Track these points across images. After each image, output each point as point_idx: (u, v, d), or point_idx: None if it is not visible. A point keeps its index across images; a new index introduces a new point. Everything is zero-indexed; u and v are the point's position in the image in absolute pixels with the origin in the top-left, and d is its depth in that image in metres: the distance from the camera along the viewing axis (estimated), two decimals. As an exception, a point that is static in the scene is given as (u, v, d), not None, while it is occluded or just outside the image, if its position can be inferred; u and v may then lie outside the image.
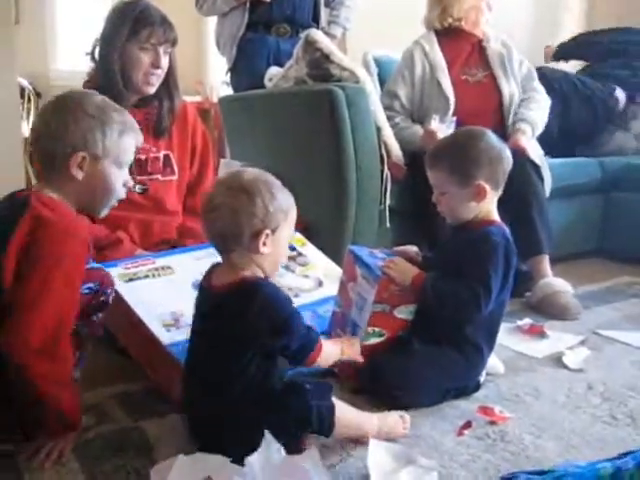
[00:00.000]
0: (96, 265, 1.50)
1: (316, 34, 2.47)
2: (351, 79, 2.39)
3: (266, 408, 1.27)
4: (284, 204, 1.34)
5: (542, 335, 2.04)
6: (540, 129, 2.65)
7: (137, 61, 1.96)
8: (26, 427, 1.34)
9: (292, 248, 2.04)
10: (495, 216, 1.66)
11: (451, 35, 2.73)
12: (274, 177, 1.38)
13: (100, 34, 2.00)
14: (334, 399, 1.33)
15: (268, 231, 1.32)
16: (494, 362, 1.75)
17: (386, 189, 2.36)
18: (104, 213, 1.50)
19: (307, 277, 1.94)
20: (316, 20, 3.10)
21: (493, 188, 1.63)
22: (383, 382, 1.57)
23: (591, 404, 1.60)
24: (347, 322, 1.68)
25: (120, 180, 1.46)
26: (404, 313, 1.63)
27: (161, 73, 2.00)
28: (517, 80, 2.69)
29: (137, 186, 2.04)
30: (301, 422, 1.28)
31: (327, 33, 2.95)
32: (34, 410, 1.31)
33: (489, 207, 1.65)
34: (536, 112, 2.62)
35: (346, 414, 1.35)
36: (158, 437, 1.42)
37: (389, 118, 2.53)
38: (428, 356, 1.58)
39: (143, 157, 2.06)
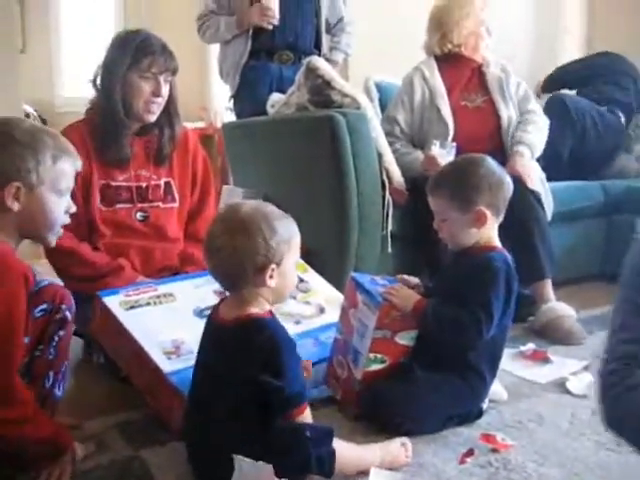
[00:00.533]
0: (47, 282, 1.46)
1: (317, 61, 2.50)
2: (352, 105, 2.40)
3: (266, 449, 1.26)
4: (285, 235, 1.35)
5: (545, 360, 2.03)
6: (539, 151, 2.64)
7: (138, 90, 1.98)
8: (11, 460, 1.32)
9: None
10: (496, 242, 1.67)
11: (451, 61, 2.75)
12: (273, 206, 1.39)
13: (102, 62, 2.03)
14: (335, 440, 1.32)
15: (273, 265, 1.32)
16: (497, 388, 1.74)
17: (388, 215, 2.37)
18: (52, 241, 1.45)
19: (309, 303, 1.94)
20: (318, 47, 3.12)
21: (494, 214, 1.64)
22: (385, 409, 1.56)
23: (595, 431, 1.57)
24: (349, 349, 1.67)
25: (61, 208, 1.40)
26: (405, 339, 1.63)
27: (162, 102, 2.03)
28: (514, 103, 2.70)
29: (138, 214, 2.06)
30: (300, 468, 1.28)
31: (329, 59, 2.98)
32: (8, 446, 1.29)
33: (490, 233, 1.66)
34: (534, 134, 2.62)
35: (347, 454, 1.34)
36: (159, 466, 1.41)
37: (390, 144, 2.54)
38: (430, 383, 1.58)
39: (144, 185, 2.08)
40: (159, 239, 2.08)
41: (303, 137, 2.46)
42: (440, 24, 2.73)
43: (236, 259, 1.29)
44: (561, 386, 1.84)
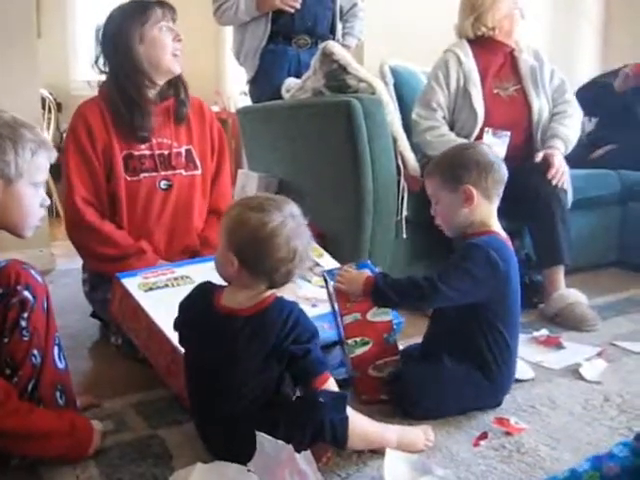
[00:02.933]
0: (3, 262, 1.39)
1: (333, 46, 2.49)
2: (368, 90, 2.40)
3: (280, 419, 1.29)
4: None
5: (559, 346, 2.04)
6: (573, 145, 2.56)
7: (161, 42, 1.99)
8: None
9: (309, 259, 2.05)
10: (493, 227, 1.65)
11: (483, 45, 2.63)
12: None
13: (108, 38, 2.01)
14: (350, 410, 1.34)
15: None
16: (523, 367, 1.75)
17: (402, 200, 2.37)
18: (27, 234, 1.41)
19: (324, 287, 1.95)
20: (332, 32, 3.12)
21: (484, 196, 1.62)
22: (406, 388, 1.56)
23: (608, 416, 1.59)
24: (342, 341, 1.70)
25: (37, 201, 1.39)
26: (379, 315, 1.63)
27: (181, 47, 2.03)
28: (547, 94, 2.61)
29: (162, 182, 2.06)
30: (314, 435, 1.30)
31: (343, 45, 2.96)
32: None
33: (484, 217, 1.64)
34: (570, 129, 2.54)
35: (362, 427, 1.36)
36: (177, 445, 1.44)
37: (432, 129, 2.51)
38: (456, 374, 1.57)
39: (166, 152, 2.07)
40: (184, 208, 2.09)
41: (319, 122, 2.46)
42: (474, 6, 2.61)
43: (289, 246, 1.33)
44: (574, 372, 1.85)
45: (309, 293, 1.89)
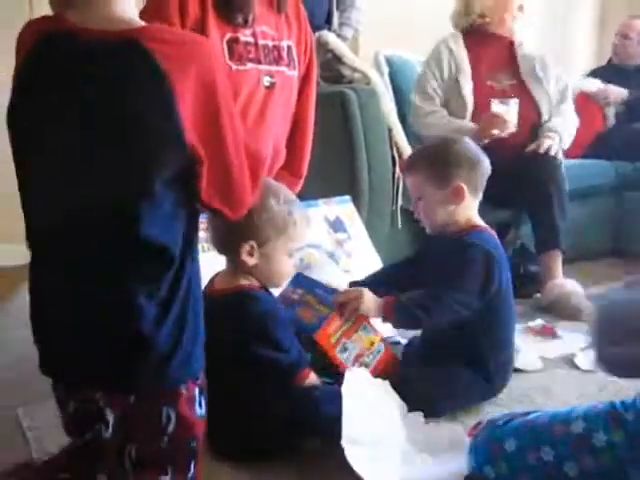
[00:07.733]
0: None
1: (328, 36, 2.49)
2: (363, 81, 2.40)
3: (276, 412, 1.30)
4: (278, 219, 1.32)
5: (553, 336, 2.04)
6: (565, 144, 2.52)
7: None
8: None
9: (343, 229, 1.99)
10: (478, 221, 1.63)
11: (478, 35, 2.63)
12: (286, 189, 1.37)
13: None
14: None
15: (252, 242, 1.31)
16: (531, 359, 1.77)
17: (398, 190, 2.37)
18: None
19: (348, 272, 1.89)
20: (328, 22, 3.10)
21: (471, 192, 1.60)
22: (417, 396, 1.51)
23: (602, 405, 1.59)
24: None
25: None
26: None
27: None
28: (550, 94, 2.58)
29: (265, 78, 1.71)
30: (310, 428, 1.31)
31: (339, 35, 2.95)
32: None
33: (469, 213, 1.62)
34: (563, 124, 2.52)
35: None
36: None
37: (434, 112, 2.54)
38: (462, 380, 1.56)
39: (270, 44, 1.74)
40: (281, 115, 1.78)
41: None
42: None
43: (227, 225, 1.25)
44: (569, 361, 1.86)
45: (333, 279, 1.73)
